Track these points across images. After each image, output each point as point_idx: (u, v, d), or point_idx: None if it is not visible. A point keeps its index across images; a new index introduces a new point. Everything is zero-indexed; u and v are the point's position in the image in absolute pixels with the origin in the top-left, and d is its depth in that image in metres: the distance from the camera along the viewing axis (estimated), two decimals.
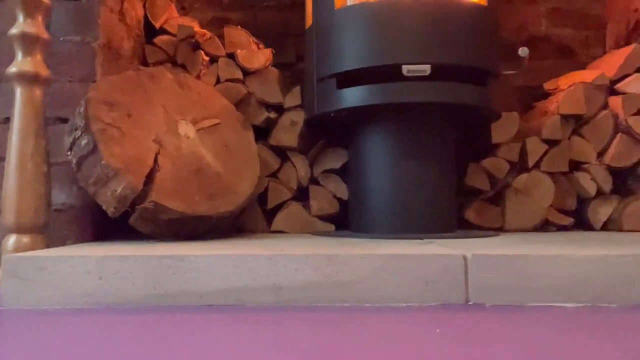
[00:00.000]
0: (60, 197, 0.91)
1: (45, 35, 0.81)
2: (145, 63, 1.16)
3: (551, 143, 1.14)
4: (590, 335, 0.52)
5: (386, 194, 1.00)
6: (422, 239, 0.90)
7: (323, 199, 1.14)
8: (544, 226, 1.15)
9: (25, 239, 0.77)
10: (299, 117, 1.13)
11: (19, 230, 0.77)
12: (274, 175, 1.16)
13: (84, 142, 0.78)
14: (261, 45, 1.22)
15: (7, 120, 0.84)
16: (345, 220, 1.12)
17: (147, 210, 0.80)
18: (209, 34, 1.16)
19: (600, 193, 1.14)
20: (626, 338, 0.51)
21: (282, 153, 1.17)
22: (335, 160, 1.15)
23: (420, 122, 0.99)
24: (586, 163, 1.14)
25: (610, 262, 0.62)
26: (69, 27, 0.94)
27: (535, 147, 1.13)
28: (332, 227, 1.14)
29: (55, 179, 0.88)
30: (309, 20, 1.08)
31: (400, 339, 0.51)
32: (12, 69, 0.79)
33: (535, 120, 1.20)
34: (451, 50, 0.92)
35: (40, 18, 0.82)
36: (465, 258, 0.63)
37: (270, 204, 1.14)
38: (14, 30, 0.79)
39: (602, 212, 1.14)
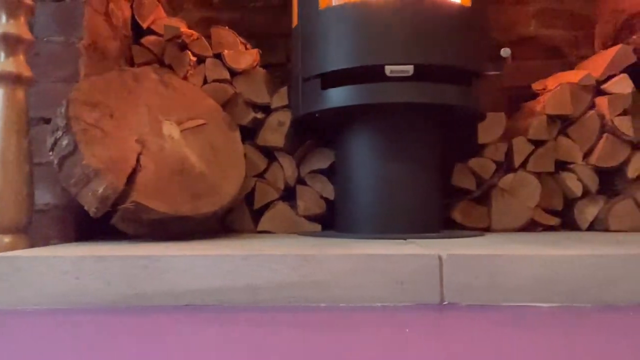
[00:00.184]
0: (44, 197, 0.91)
1: (28, 35, 0.82)
2: (132, 63, 1.16)
3: (537, 143, 1.14)
4: (564, 335, 0.53)
5: (371, 194, 1.00)
6: (405, 239, 0.90)
7: (310, 199, 1.15)
8: (531, 226, 1.15)
9: (7, 239, 0.77)
10: (286, 117, 1.14)
11: (1, 230, 0.77)
12: (261, 175, 1.16)
13: (65, 142, 0.79)
14: (249, 46, 1.22)
15: None
16: (332, 221, 1.12)
17: (128, 210, 0.80)
18: (196, 35, 1.16)
19: (586, 193, 1.14)
20: (600, 338, 0.51)
21: (269, 153, 1.17)
22: (322, 160, 1.15)
23: (405, 123, 0.99)
24: (572, 163, 1.14)
25: (584, 262, 0.62)
26: (53, 27, 0.94)
27: (521, 147, 1.13)
28: (319, 227, 1.14)
29: (39, 179, 0.88)
30: (295, 20, 1.08)
31: (375, 339, 0.51)
32: None
33: (522, 120, 1.20)
34: (434, 51, 0.92)
35: (22, 18, 0.82)
36: (440, 258, 0.63)
37: (257, 204, 1.14)
38: None
39: (588, 212, 1.15)
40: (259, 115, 1.16)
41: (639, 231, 1.12)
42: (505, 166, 1.15)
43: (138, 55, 1.16)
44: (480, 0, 1.00)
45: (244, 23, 1.43)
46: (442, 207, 1.09)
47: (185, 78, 1.14)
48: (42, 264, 0.62)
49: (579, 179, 1.13)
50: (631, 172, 1.12)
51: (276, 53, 1.38)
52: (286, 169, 1.16)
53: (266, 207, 1.15)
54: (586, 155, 1.15)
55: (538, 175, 1.14)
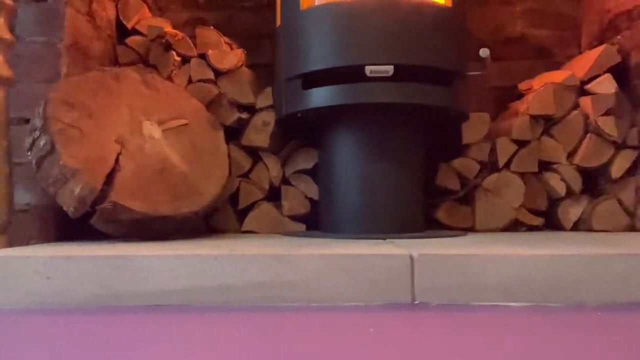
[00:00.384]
0: (24, 197, 0.91)
1: (8, 35, 0.82)
2: (117, 63, 1.16)
3: (521, 143, 1.14)
4: (535, 335, 0.53)
5: (353, 195, 1.00)
6: (385, 239, 0.91)
7: (294, 199, 1.15)
8: (514, 226, 1.15)
9: None
10: (271, 117, 1.14)
11: None
12: (245, 175, 1.16)
13: (42, 142, 0.79)
14: (234, 46, 1.23)
15: None
16: (316, 221, 1.12)
17: (106, 210, 0.81)
18: (180, 35, 1.16)
19: (570, 193, 1.14)
20: (571, 338, 0.51)
21: (254, 153, 1.17)
22: (307, 160, 1.15)
23: (387, 123, 0.99)
24: (556, 163, 1.14)
25: (556, 262, 0.62)
26: (34, 28, 0.94)
27: (505, 148, 1.13)
28: (303, 227, 1.14)
29: (20, 179, 0.88)
30: (278, 21, 1.08)
31: (345, 338, 0.52)
32: None
33: (507, 120, 1.20)
34: (414, 51, 0.92)
35: (2, 19, 0.82)
36: (412, 258, 0.63)
37: (242, 204, 1.14)
38: None
39: (572, 212, 1.15)
40: (244, 116, 1.16)
41: (622, 231, 1.13)
42: (489, 166, 1.15)
43: (123, 55, 1.17)
44: (461, 0, 1.00)
45: (231, 23, 1.43)
46: (425, 207, 1.09)
47: (169, 78, 1.14)
48: (14, 264, 0.62)
49: (563, 179, 1.13)
50: (615, 172, 1.12)
51: (263, 53, 1.38)
52: (271, 169, 1.16)
53: (251, 207, 1.15)
54: (570, 155, 1.15)
55: (522, 175, 1.14)
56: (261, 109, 1.15)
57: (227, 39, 1.21)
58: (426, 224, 1.11)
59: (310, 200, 1.15)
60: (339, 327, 0.57)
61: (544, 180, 1.15)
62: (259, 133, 1.15)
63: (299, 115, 1.01)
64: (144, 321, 0.59)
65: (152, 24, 1.15)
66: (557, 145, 1.14)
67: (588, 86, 1.15)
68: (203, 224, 1.12)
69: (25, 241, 0.89)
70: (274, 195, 1.17)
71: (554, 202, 1.16)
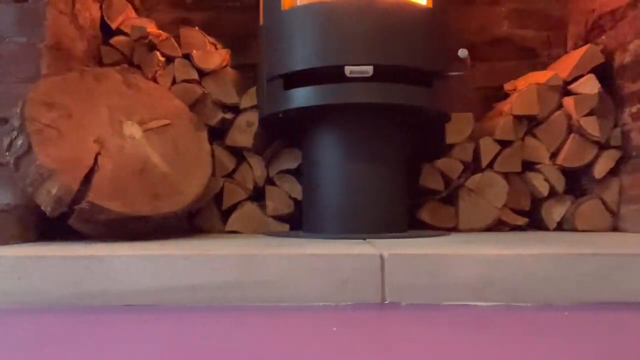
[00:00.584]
0: (5, 197, 0.91)
1: None
2: (102, 64, 1.16)
3: (505, 144, 1.14)
4: (502, 334, 0.53)
5: (335, 195, 1.00)
6: (364, 239, 0.91)
7: (278, 199, 1.15)
8: (498, 226, 1.15)
9: None
10: (255, 117, 1.14)
11: None
12: (230, 175, 1.16)
13: (19, 142, 0.79)
14: (219, 46, 1.23)
15: None
16: (300, 221, 1.12)
17: (84, 210, 0.81)
18: (164, 35, 1.16)
19: (553, 193, 1.14)
20: (538, 338, 0.51)
21: (238, 153, 1.17)
22: (290, 160, 1.16)
23: (368, 123, 0.99)
24: (539, 163, 1.14)
25: (523, 262, 0.62)
26: (15, 28, 0.94)
27: (488, 148, 1.14)
28: (287, 227, 1.15)
29: (0, 179, 0.88)
30: (261, 21, 1.08)
31: (314, 338, 0.52)
32: None
33: (492, 121, 1.20)
34: (394, 52, 0.93)
35: None
36: (382, 257, 0.63)
37: (226, 205, 1.14)
38: None
39: (555, 212, 1.15)
40: (228, 116, 1.16)
41: (605, 231, 1.13)
42: (473, 166, 1.16)
43: (107, 55, 1.17)
44: (442, 1, 1.00)
45: (218, 23, 1.43)
46: (408, 207, 1.09)
47: (154, 78, 1.14)
48: None
49: (546, 179, 1.14)
50: (598, 173, 1.12)
51: (250, 53, 1.38)
52: (255, 169, 1.16)
53: (235, 207, 1.15)
54: (553, 155, 1.15)
55: (505, 175, 1.14)
56: (245, 109, 1.16)
57: (211, 39, 1.22)
58: (410, 224, 1.11)
59: (295, 200, 1.15)
60: (308, 327, 0.57)
61: (527, 180, 1.15)
62: (243, 133, 1.15)
63: (280, 115, 1.01)
64: (114, 321, 0.59)
65: (136, 24, 1.15)
66: (541, 146, 1.14)
67: (571, 86, 1.15)
68: (186, 224, 1.12)
69: (5, 241, 0.89)
70: (258, 196, 1.17)
71: (537, 202, 1.17)
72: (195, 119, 1.09)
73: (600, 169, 1.12)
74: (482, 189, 1.13)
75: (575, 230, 1.13)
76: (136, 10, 1.33)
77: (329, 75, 0.94)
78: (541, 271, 0.62)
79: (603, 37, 1.21)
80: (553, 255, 0.63)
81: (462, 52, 0.92)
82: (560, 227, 1.16)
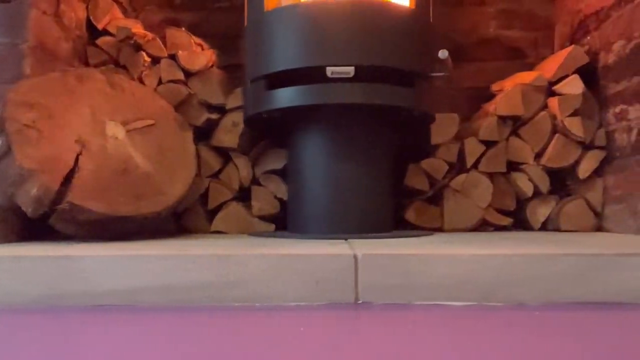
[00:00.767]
0: None
1: None
2: (88, 64, 1.17)
3: (490, 144, 1.15)
4: (475, 334, 0.53)
5: (319, 195, 1.01)
6: (346, 239, 0.91)
7: (264, 199, 1.15)
8: (483, 226, 1.15)
9: None
10: (241, 118, 1.14)
11: None
12: (215, 176, 1.17)
13: None
14: (205, 46, 1.23)
15: None
16: (286, 221, 1.12)
17: (64, 211, 0.81)
18: (150, 35, 1.17)
19: (538, 193, 1.15)
20: (510, 337, 0.52)
21: (225, 154, 1.17)
22: (276, 160, 1.16)
23: (351, 124, 0.99)
24: (524, 164, 1.15)
25: (496, 262, 0.63)
26: None
27: (473, 148, 1.14)
28: (272, 228, 1.15)
29: None
30: (245, 21, 1.09)
31: (288, 338, 0.52)
32: None
33: (477, 121, 1.21)
34: (376, 53, 0.93)
35: None
36: (356, 257, 0.63)
37: (211, 205, 1.15)
38: None
39: (540, 212, 1.15)
40: (214, 116, 1.16)
41: (590, 231, 1.13)
42: (458, 167, 1.16)
43: (93, 56, 1.17)
44: (425, 2, 1.00)
45: (207, 24, 1.43)
46: (393, 207, 1.09)
47: (140, 79, 1.15)
48: None
49: (530, 180, 1.14)
50: (582, 173, 1.13)
51: (238, 54, 1.38)
52: (241, 169, 1.16)
53: (221, 207, 1.15)
54: (538, 155, 1.15)
55: (490, 175, 1.14)
56: (231, 110, 1.16)
57: (197, 40, 1.22)
58: (396, 224, 1.11)
59: (280, 200, 1.15)
60: (282, 327, 0.58)
61: (511, 181, 1.15)
62: (229, 133, 1.15)
63: (264, 115, 1.01)
64: (89, 321, 0.59)
65: (122, 25, 1.16)
66: (525, 146, 1.15)
67: (556, 87, 1.16)
68: (172, 224, 1.13)
69: None
70: (244, 196, 1.17)
71: (523, 202, 1.17)
72: (180, 119, 1.09)
73: (584, 169, 1.13)
74: (467, 189, 1.14)
75: (559, 230, 1.14)
76: (125, 10, 1.34)
77: (312, 75, 0.94)
78: (514, 271, 0.62)
79: (588, 38, 1.21)
80: (526, 256, 0.63)
81: (443, 53, 0.92)
82: (545, 227, 1.16)
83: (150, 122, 1.02)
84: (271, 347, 0.49)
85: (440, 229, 1.15)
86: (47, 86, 0.89)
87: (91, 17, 1.18)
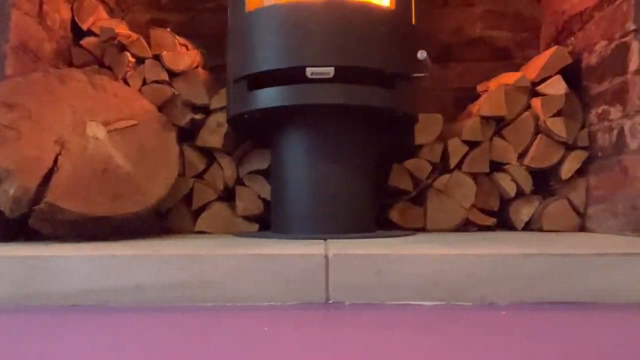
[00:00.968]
0: None
1: None
2: (72, 65, 1.17)
3: (474, 144, 1.15)
4: (445, 334, 0.53)
5: (301, 195, 1.01)
6: (325, 239, 0.91)
7: (248, 199, 1.15)
8: (466, 226, 1.16)
9: None
10: (225, 118, 1.14)
11: None
12: (200, 176, 1.17)
13: None
14: (190, 47, 1.23)
15: None
16: (269, 221, 1.13)
17: (42, 211, 0.81)
18: (134, 36, 1.17)
19: (521, 194, 1.15)
20: (479, 337, 0.52)
21: (209, 154, 1.18)
22: (260, 161, 1.16)
23: (332, 124, 1.00)
24: (507, 164, 1.15)
25: (467, 262, 0.63)
26: None
27: (456, 148, 1.14)
28: (256, 228, 1.15)
29: None
30: (228, 22, 1.09)
31: (259, 338, 0.52)
32: None
33: (462, 122, 1.21)
34: (355, 53, 0.93)
35: None
36: (326, 257, 0.64)
37: (195, 205, 1.15)
38: None
39: (523, 212, 1.16)
40: (198, 116, 1.16)
41: (572, 231, 1.13)
42: (441, 167, 1.16)
43: (78, 56, 1.17)
44: (406, 3, 1.00)
45: (194, 24, 1.44)
46: (377, 207, 1.09)
47: (124, 79, 1.15)
48: None
49: (513, 180, 1.14)
50: (565, 173, 1.13)
51: (224, 54, 1.39)
52: (225, 169, 1.17)
53: (205, 207, 1.16)
54: (521, 156, 1.15)
55: (473, 176, 1.14)
56: (215, 110, 1.16)
57: (182, 40, 1.22)
58: (380, 224, 1.12)
59: (264, 200, 1.15)
60: (254, 327, 0.58)
61: (495, 181, 1.16)
62: (213, 134, 1.15)
63: (246, 116, 1.01)
64: (60, 321, 0.59)
65: (105, 25, 1.16)
66: (508, 146, 1.15)
67: (539, 87, 1.16)
68: (155, 225, 1.13)
69: None
70: (229, 196, 1.17)
71: (506, 202, 1.17)
72: (164, 119, 1.09)
73: (567, 170, 1.13)
74: (450, 190, 1.14)
75: (541, 230, 1.14)
76: (111, 11, 1.34)
77: (292, 76, 0.95)
78: (484, 271, 0.63)
79: (572, 39, 1.22)
80: (497, 255, 0.63)
81: (421, 54, 0.92)
82: (529, 227, 1.17)
83: (133, 122, 1.02)
84: (242, 347, 0.49)
85: (424, 229, 1.15)
86: (27, 87, 0.89)
87: (76, 18, 1.18)
